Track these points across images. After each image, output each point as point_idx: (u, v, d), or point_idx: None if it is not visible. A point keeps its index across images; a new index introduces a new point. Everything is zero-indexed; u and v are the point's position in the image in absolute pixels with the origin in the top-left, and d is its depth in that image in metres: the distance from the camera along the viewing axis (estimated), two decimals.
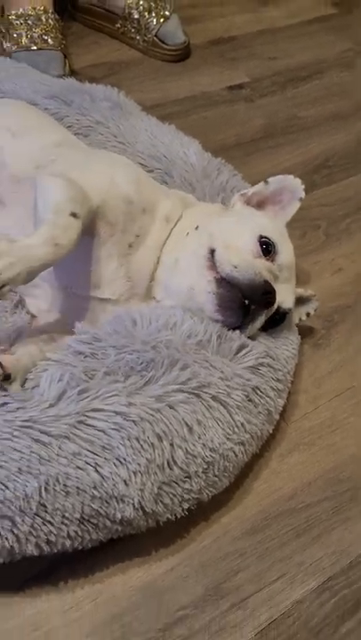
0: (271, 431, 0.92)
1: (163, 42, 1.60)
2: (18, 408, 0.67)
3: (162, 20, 1.59)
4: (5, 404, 0.67)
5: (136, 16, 1.58)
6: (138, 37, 1.61)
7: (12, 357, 0.73)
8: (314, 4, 2.00)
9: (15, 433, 0.65)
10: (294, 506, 0.91)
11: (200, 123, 1.49)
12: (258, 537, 0.87)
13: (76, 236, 0.76)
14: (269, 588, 0.84)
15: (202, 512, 0.86)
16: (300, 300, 1.01)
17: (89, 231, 0.83)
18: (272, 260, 0.87)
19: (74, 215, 0.77)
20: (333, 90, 1.67)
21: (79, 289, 0.87)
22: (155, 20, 1.59)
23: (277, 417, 0.92)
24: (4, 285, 0.69)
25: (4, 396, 0.68)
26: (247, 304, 0.82)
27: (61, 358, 0.73)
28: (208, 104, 1.55)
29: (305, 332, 1.08)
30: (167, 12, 1.60)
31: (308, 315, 1.04)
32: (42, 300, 0.89)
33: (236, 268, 0.82)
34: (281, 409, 0.93)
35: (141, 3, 1.58)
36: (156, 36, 1.60)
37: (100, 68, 1.59)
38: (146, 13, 1.58)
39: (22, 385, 0.73)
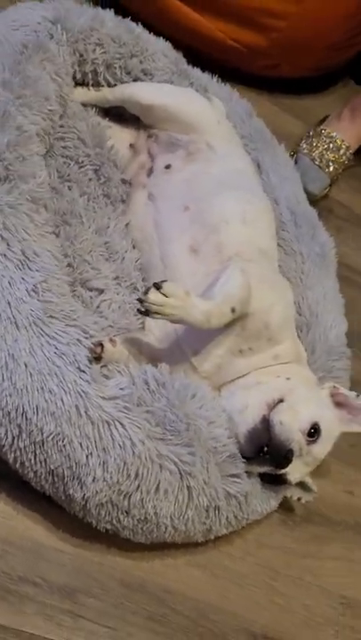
0: (199, 541, 1.09)
1: None
2: (87, 381, 0.90)
3: None
4: (84, 372, 0.90)
5: None
6: None
7: (113, 349, 0.96)
8: None
9: (72, 393, 0.88)
10: (165, 599, 1.07)
11: None
12: (126, 591, 1.04)
13: (223, 325, 0.99)
14: (98, 628, 1.00)
15: (111, 540, 1.03)
16: (303, 485, 1.17)
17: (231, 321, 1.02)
18: (308, 444, 1.05)
19: (233, 310, 0.99)
20: None
21: (185, 344, 1.08)
22: None
23: (212, 537, 1.09)
24: (159, 314, 0.92)
25: (88, 367, 0.90)
26: (265, 450, 1.00)
27: (134, 376, 0.96)
28: None
29: (286, 506, 1.24)
30: None
31: (298, 499, 1.20)
32: (158, 329, 1.10)
33: (281, 424, 1.01)
34: (218, 535, 1.09)
35: None
36: None
37: (345, 210, 1.79)
38: None
39: (101, 367, 0.95)
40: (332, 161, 1.68)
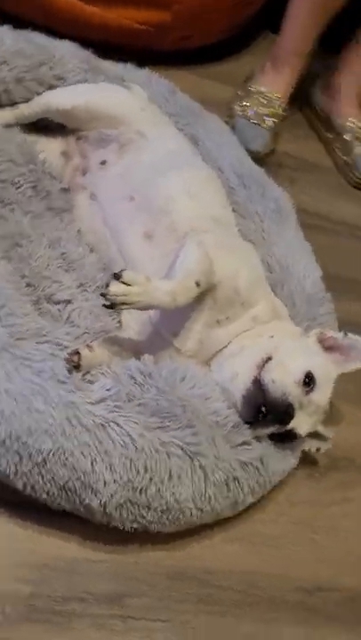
0: (230, 516, 1.09)
1: (356, 168, 1.79)
2: (71, 391, 0.90)
3: None
4: (65, 383, 0.90)
5: (346, 138, 1.78)
6: (339, 153, 1.81)
7: (90, 354, 0.96)
8: None
9: (59, 406, 0.88)
10: (210, 580, 1.08)
11: (342, 247, 1.65)
12: (169, 582, 1.05)
13: (191, 299, 0.99)
14: (152, 623, 1.01)
15: (144, 538, 1.04)
16: (318, 435, 1.18)
17: (199, 295, 1.03)
18: (306, 393, 1.05)
19: (197, 284, 0.99)
20: None
21: (162, 329, 1.08)
22: (359, 149, 1.78)
23: (241, 509, 1.09)
24: (125, 304, 0.92)
25: (68, 377, 0.91)
26: (264, 411, 1.01)
27: (118, 374, 0.96)
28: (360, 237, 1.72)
29: (308, 460, 1.24)
30: None
31: (317, 449, 1.20)
32: (135, 321, 1.11)
33: (273, 381, 1.01)
34: (247, 505, 1.10)
35: (357, 130, 1.78)
36: (353, 160, 1.79)
37: (295, 160, 1.79)
38: (356, 140, 1.78)
39: (83, 375, 0.96)
40: (268, 115, 1.68)
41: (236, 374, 1.04)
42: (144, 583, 1.03)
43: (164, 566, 1.06)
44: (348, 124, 1.78)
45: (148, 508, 0.95)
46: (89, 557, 1.02)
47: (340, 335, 1.16)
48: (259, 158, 1.61)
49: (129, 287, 0.93)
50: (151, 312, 1.08)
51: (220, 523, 1.11)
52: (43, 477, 0.89)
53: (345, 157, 1.80)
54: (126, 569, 1.03)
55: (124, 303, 0.93)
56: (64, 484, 0.90)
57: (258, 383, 1.01)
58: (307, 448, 1.18)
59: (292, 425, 1.04)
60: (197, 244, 1.05)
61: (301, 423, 1.06)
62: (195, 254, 1.02)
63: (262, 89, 1.69)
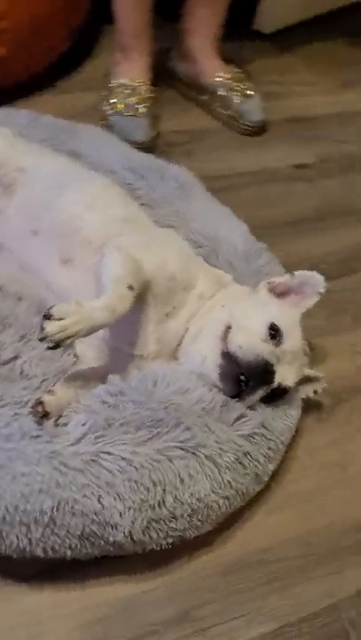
0: (258, 490, 1.07)
1: (241, 117, 1.78)
2: (47, 441, 0.87)
3: (244, 98, 1.78)
4: (38, 436, 0.87)
5: (221, 93, 1.77)
6: (221, 110, 1.80)
7: (54, 398, 0.93)
8: None
9: (42, 460, 0.85)
10: (266, 558, 1.05)
11: (256, 196, 1.64)
12: (229, 578, 1.02)
13: (129, 305, 0.96)
14: (230, 624, 0.98)
15: (186, 547, 1.01)
16: (309, 379, 1.16)
17: (137, 297, 1.00)
18: (277, 345, 1.03)
19: (130, 287, 0.96)
20: None
21: (118, 343, 1.06)
22: (237, 98, 1.77)
23: (266, 479, 1.07)
24: (69, 337, 0.88)
25: (39, 429, 0.87)
26: (244, 379, 0.98)
27: (89, 405, 0.93)
28: (269, 179, 1.71)
29: (311, 405, 1.22)
30: (249, 92, 1.78)
31: (315, 392, 1.18)
32: (89, 348, 1.08)
33: (240, 348, 0.99)
34: (271, 473, 1.08)
35: (227, 82, 1.77)
36: (236, 111, 1.78)
37: (182, 134, 1.77)
38: (230, 91, 1.77)
39: (56, 420, 0.92)
40: (138, 103, 1.66)
41: (205, 356, 1.02)
42: (204, 590, 1.01)
43: (216, 565, 1.03)
44: (216, 79, 1.77)
45: (175, 519, 0.92)
46: (139, 590, 0.98)
47: (287, 278, 1.14)
48: (147, 147, 1.59)
49: (63, 321, 0.89)
50: (100, 333, 1.05)
51: (253, 500, 1.08)
52: (58, 535, 0.86)
53: (227, 112, 1.79)
54: (180, 585, 1.00)
55: (66, 338, 0.90)
56: (81, 532, 0.87)
57: (227, 355, 0.99)
58: (304, 395, 1.17)
59: (277, 381, 1.02)
60: (116, 249, 1.03)
61: (286, 374, 1.04)
62: (115, 260, 1.00)
63: (122, 80, 1.67)
